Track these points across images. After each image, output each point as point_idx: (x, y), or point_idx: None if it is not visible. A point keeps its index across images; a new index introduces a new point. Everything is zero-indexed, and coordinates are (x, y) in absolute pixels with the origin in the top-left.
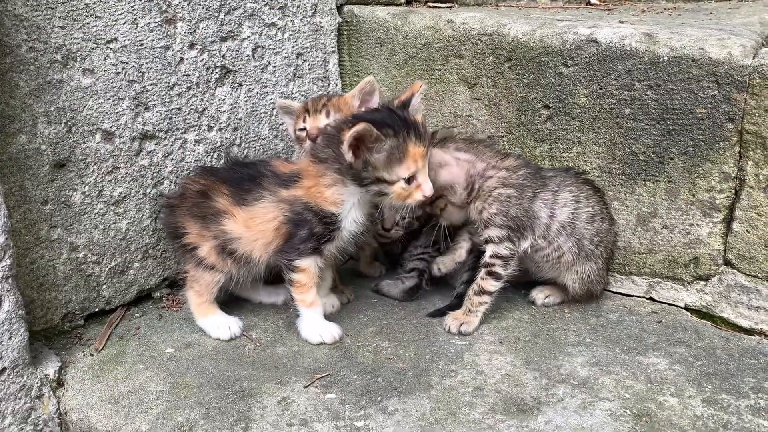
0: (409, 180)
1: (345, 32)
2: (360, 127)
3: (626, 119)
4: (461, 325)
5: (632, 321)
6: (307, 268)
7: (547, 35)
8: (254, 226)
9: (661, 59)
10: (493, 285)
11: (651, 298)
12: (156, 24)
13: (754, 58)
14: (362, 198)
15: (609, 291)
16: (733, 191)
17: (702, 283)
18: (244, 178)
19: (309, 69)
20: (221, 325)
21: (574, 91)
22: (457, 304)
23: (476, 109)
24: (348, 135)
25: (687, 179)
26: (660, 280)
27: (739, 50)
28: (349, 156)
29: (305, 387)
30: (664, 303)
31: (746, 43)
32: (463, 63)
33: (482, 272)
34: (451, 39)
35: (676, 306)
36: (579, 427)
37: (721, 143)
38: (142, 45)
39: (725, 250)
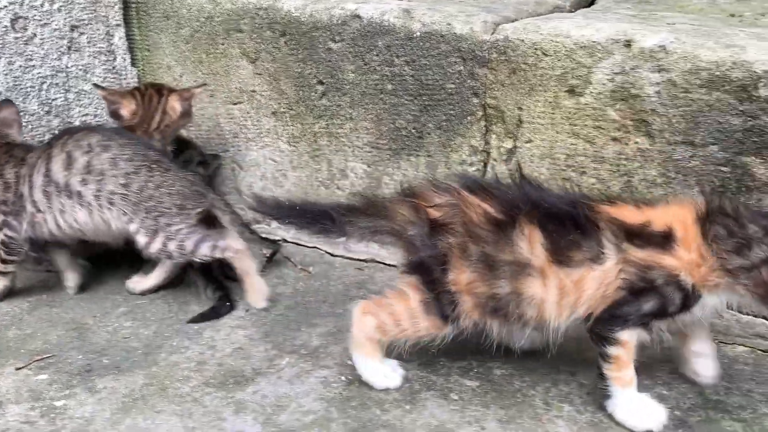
0: None
1: (133, 5)
2: None
3: (389, 95)
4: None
5: None
6: (629, 342)
7: (317, 10)
8: (575, 292)
9: (415, 35)
10: None
11: None
12: None
13: (492, 33)
14: (740, 302)
15: (383, 263)
16: (483, 164)
17: None
18: (565, 221)
19: (88, 42)
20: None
21: (343, 66)
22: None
23: (259, 84)
24: None
25: (443, 153)
26: None
27: (480, 26)
28: None
29: (18, 369)
30: None
31: (489, 18)
32: (243, 37)
33: None
34: (231, 13)
35: None
36: (285, 395)
37: (469, 117)
38: None
39: None
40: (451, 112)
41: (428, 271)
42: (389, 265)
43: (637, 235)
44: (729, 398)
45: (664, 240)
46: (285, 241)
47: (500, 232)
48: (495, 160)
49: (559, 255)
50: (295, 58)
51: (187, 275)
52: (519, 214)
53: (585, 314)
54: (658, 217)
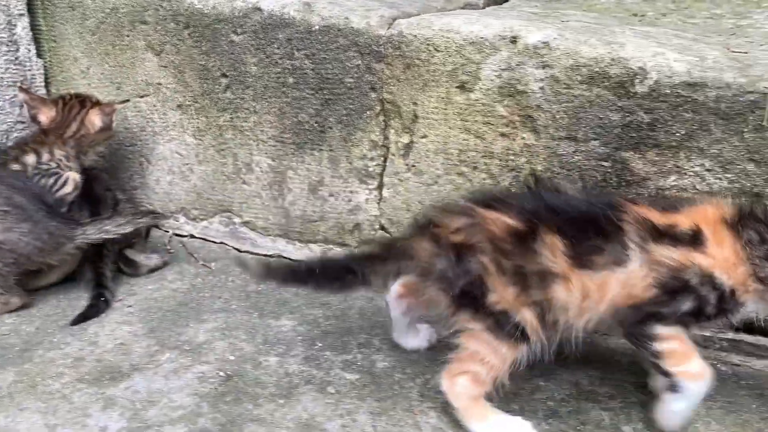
0: None
1: None
2: None
3: (291, 88)
4: None
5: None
6: (674, 335)
7: (219, 2)
8: (599, 296)
9: (314, 28)
10: None
11: None
12: None
13: (389, 28)
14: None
15: (289, 258)
16: (382, 159)
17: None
18: (582, 223)
19: None
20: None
21: (245, 59)
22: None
23: (165, 77)
24: None
25: (344, 148)
26: (332, 246)
27: (377, 20)
28: None
29: None
30: None
31: (386, 13)
32: (148, 29)
33: None
34: (136, 4)
35: None
36: (158, 390)
37: (368, 112)
38: None
39: (380, 216)
40: (351, 106)
41: (473, 299)
42: (294, 260)
43: (666, 235)
44: (601, 388)
45: (694, 239)
46: (192, 236)
47: (524, 243)
48: (393, 155)
49: (581, 260)
50: (199, 50)
51: (81, 270)
52: (539, 223)
53: (607, 314)
54: (684, 217)
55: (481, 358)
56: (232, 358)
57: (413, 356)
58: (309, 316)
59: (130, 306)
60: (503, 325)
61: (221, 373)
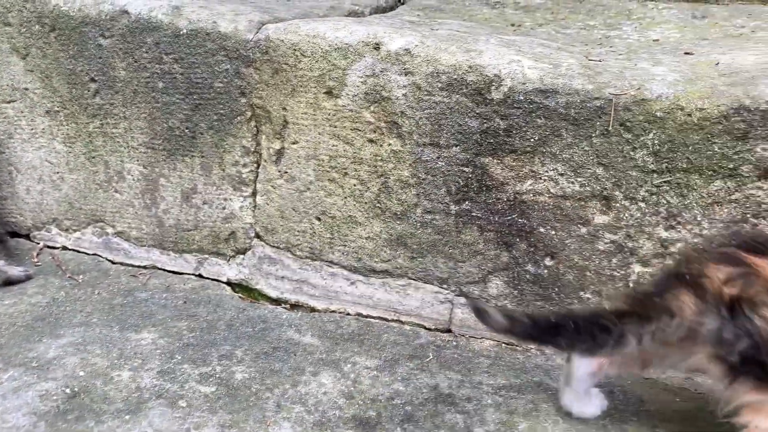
0: None
1: None
2: None
3: (161, 93)
4: None
5: (160, 299)
6: None
7: (86, 5)
8: None
9: (182, 32)
10: None
11: (200, 275)
12: None
13: (257, 32)
14: None
15: (164, 270)
16: (255, 165)
17: (241, 257)
18: None
19: None
20: None
21: (114, 63)
22: None
23: (31, 81)
24: None
25: (216, 154)
26: (207, 256)
27: (245, 25)
28: None
29: None
30: (210, 279)
31: (255, 18)
32: (12, 31)
33: None
34: None
35: (220, 281)
36: None
37: (239, 117)
38: None
39: (255, 224)
40: (222, 111)
41: (760, 364)
42: (169, 271)
43: None
44: (459, 391)
45: None
46: (65, 248)
47: None
48: (266, 161)
49: None
50: (67, 54)
51: None
52: None
53: None
54: None
55: None
56: (82, 374)
57: (276, 366)
58: (173, 328)
59: None
60: None
61: (67, 390)
